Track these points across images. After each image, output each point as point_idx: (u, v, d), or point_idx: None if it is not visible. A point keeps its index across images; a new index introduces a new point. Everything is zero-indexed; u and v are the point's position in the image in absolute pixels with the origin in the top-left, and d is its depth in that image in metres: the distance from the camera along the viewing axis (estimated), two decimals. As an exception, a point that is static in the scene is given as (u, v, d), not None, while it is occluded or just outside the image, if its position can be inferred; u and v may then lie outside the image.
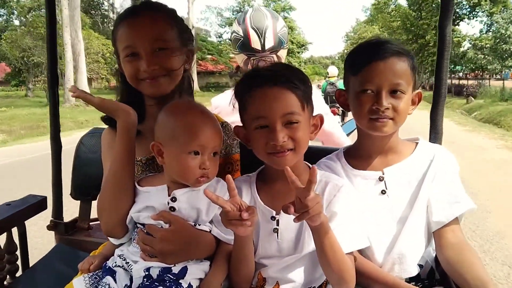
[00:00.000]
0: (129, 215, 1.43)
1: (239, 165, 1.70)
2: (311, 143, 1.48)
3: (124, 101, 1.55)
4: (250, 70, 1.42)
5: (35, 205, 2.08)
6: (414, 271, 1.50)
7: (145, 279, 1.34)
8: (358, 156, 1.58)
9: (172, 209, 1.38)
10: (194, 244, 1.38)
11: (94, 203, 2.21)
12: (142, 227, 1.41)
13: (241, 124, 1.46)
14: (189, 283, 1.35)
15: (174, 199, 1.38)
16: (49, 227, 2.16)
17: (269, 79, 1.33)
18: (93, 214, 2.25)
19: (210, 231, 1.42)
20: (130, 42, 1.47)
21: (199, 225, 1.41)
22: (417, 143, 1.57)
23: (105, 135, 1.64)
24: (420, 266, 1.53)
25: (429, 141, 1.73)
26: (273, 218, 1.40)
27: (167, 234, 1.35)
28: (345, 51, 66.66)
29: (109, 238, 1.52)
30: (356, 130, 1.62)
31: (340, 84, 14.44)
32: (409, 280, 1.50)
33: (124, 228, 1.47)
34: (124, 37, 1.48)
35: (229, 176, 1.18)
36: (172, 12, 1.57)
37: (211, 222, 1.43)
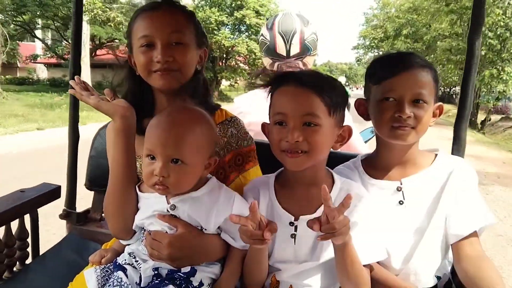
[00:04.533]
0: (134, 222, 1.43)
1: (254, 155, 1.69)
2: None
3: (134, 97, 1.56)
4: (284, 71, 1.41)
5: (49, 193, 2.08)
6: (430, 282, 1.49)
7: (154, 278, 1.33)
8: (376, 165, 1.56)
9: (173, 216, 1.36)
10: (202, 249, 1.37)
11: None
12: (149, 231, 1.39)
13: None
14: (200, 280, 1.34)
15: (173, 207, 1.35)
16: (61, 216, 2.16)
17: (299, 80, 1.32)
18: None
19: (219, 234, 1.40)
20: (147, 32, 1.46)
21: (205, 229, 1.38)
22: (436, 154, 1.55)
23: (109, 131, 1.63)
24: (438, 278, 1.51)
25: (452, 154, 1.71)
26: (291, 223, 1.38)
27: (174, 239, 1.33)
28: (361, 40, 50.11)
29: (119, 238, 1.52)
30: (372, 139, 1.59)
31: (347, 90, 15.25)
32: (425, 290, 1.49)
33: (130, 232, 1.46)
34: (142, 27, 1.48)
35: (254, 203, 1.15)
36: (191, 13, 1.59)
37: (218, 227, 1.39)
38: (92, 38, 28.23)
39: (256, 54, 30.51)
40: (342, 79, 16.95)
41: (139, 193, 1.43)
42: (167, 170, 1.26)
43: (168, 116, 1.31)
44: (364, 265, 1.31)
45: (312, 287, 1.38)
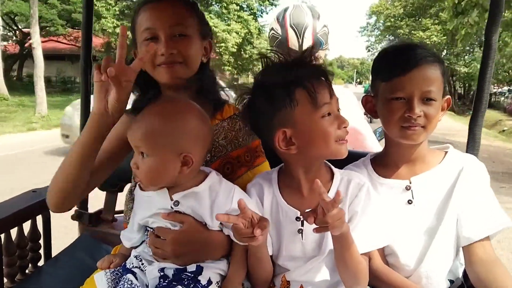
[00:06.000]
0: (136, 223, 1.41)
1: (261, 150, 1.69)
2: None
3: (141, 93, 1.57)
4: (287, 68, 1.36)
5: (61, 193, 2.06)
6: (442, 285, 1.47)
7: (161, 280, 1.32)
8: (385, 164, 1.55)
9: (178, 212, 1.34)
10: (206, 244, 1.36)
11: (120, 195, 2.21)
12: (152, 230, 1.38)
13: None
14: (209, 278, 1.32)
15: (177, 203, 1.33)
16: (73, 217, 2.15)
17: (319, 73, 1.32)
18: (118, 206, 2.24)
19: (222, 230, 1.38)
20: (150, 25, 1.46)
21: (209, 226, 1.37)
22: (446, 152, 1.52)
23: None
24: (451, 281, 1.49)
25: (466, 152, 1.68)
26: (297, 218, 1.38)
27: (178, 235, 1.32)
28: (372, 19, 38.93)
29: (122, 240, 1.49)
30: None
31: None
32: (438, 292, 1.48)
33: (64, 208, 1.44)
34: (145, 20, 1.48)
35: (240, 200, 1.16)
36: (194, 3, 1.59)
37: (221, 223, 1.37)
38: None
39: (228, 41, 24.36)
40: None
41: (140, 192, 1.41)
42: (137, 163, 1.28)
43: (146, 109, 1.30)
44: (363, 254, 1.33)
45: (322, 284, 1.38)
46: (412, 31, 30.15)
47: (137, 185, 1.43)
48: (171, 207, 1.33)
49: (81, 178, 1.37)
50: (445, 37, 27.92)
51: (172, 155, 1.27)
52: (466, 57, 28.75)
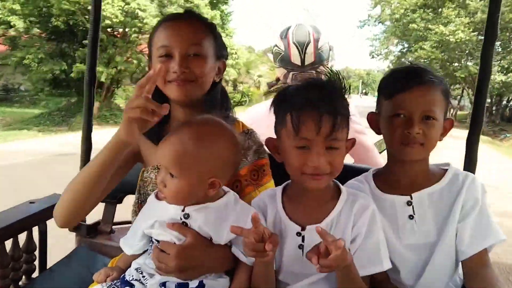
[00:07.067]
0: (141, 230, 1.39)
1: (268, 169, 1.70)
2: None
3: None
4: (295, 90, 1.37)
5: (59, 205, 2.04)
6: None
7: None
8: (387, 179, 1.57)
9: (185, 224, 1.33)
10: (210, 260, 1.35)
11: (119, 206, 2.20)
12: (157, 242, 1.36)
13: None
14: None
15: (187, 216, 1.32)
16: (71, 228, 2.12)
17: (315, 105, 1.27)
18: (117, 217, 2.22)
19: (227, 245, 1.37)
20: (166, 42, 1.50)
21: (215, 241, 1.36)
22: (447, 169, 1.55)
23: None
24: None
25: (463, 169, 1.72)
26: (298, 234, 1.37)
27: (182, 250, 1.30)
28: (376, 10, 32.22)
29: (122, 248, 1.47)
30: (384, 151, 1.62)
31: None
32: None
33: (78, 220, 1.57)
34: (162, 37, 1.52)
35: (255, 215, 1.17)
36: (212, 25, 1.62)
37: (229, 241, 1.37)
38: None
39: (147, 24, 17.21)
40: None
41: (155, 200, 1.41)
42: (164, 182, 1.29)
43: (179, 130, 1.31)
44: (364, 276, 1.32)
45: None
46: (429, 27, 25.51)
47: (153, 193, 1.44)
48: (181, 218, 1.32)
49: (94, 195, 1.43)
50: (475, 33, 23.99)
51: (201, 179, 1.29)
52: (501, 61, 24.63)
